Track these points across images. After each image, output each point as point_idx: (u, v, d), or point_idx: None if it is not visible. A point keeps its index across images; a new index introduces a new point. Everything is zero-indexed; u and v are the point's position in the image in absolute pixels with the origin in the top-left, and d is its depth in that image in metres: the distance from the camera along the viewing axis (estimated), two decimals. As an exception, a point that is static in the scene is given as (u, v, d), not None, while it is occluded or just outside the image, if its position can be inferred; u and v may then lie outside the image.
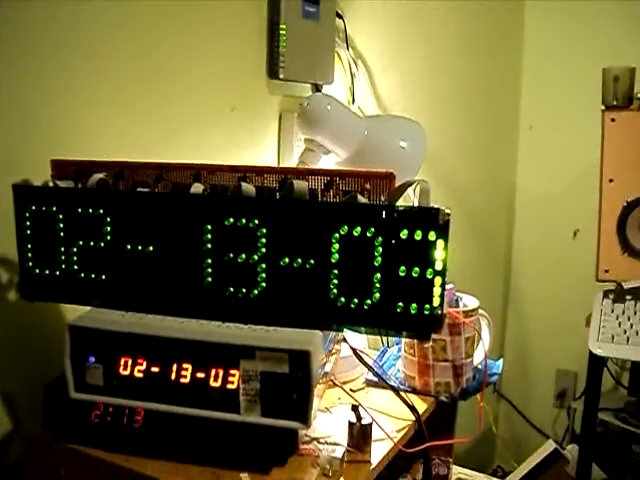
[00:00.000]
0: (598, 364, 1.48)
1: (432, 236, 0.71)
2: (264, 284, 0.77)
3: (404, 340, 1.11)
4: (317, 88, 1.36)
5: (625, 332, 1.31)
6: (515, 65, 2.35)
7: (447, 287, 0.77)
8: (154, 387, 0.78)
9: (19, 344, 0.92)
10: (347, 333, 0.95)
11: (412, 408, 0.98)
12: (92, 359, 0.80)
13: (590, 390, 1.51)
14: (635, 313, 1.35)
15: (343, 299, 0.75)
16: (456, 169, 1.97)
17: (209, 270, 0.78)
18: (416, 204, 0.73)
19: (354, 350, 1.01)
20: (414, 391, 1.08)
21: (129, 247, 0.80)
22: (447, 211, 0.72)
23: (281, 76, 1.25)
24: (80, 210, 0.81)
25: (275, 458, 0.81)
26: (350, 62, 1.45)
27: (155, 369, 0.78)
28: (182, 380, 0.78)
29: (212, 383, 0.77)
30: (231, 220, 0.76)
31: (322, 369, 0.85)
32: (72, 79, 0.95)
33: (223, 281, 0.78)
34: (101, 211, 0.80)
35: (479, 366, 1.11)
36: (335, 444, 0.87)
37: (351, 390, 1.07)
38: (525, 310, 2.47)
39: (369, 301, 0.74)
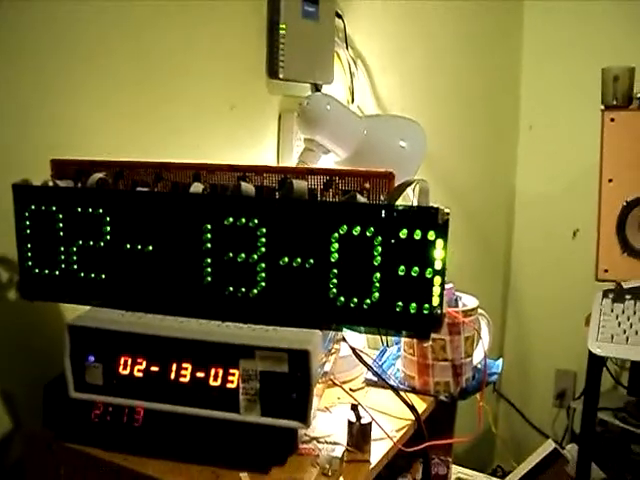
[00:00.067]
0: (597, 364, 1.48)
1: (431, 236, 0.71)
2: (263, 283, 0.77)
3: (403, 340, 1.11)
4: (317, 88, 1.36)
5: (624, 332, 1.31)
6: (514, 65, 2.35)
7: (446, 286, 0.77)
8: (154, 386, 0.79)
9: (19, 343, 0.92)
10: (346, 332, 0.95)
11: (411, 408, 0.98)
12: (92, 358, 0.80)
13: (589, 390, 1.51)
14: (634, 313, 1.35)
15: (342, 298, 0.75)
16: (455, 169, 1.97)
17: (209, 269, 0.78)
18: (415, 204, 0.73)
19: (353, 349, 1.01)
20: (413, 391, 1.08)
21: (129, 247, 0.80)
22: (446, 211, 0.72)
23: (281, 76, 1.25)
24: (80, 210, 0.81)
25: (275, 457, 0.81)
26: (349, 62, 1.45)
27: (155, 368, 0.79)
28: (182, 379, 0.78)
29: (212, 382, 0.77)
30: (231, 219, 0.76)
31: (321, 368, 0.85)
32: (71, 79, 0.95)
33: (223, 281, 0.78)
34: (101, 211, 0.80)
35: (478, 366, 1.11)
36: (335, 443, 0.87)
37: (350, 389, 1.07)
38: (525, 310, 2.47)
39: (368, 300, 0.74)
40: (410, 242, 0.72)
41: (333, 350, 0.94)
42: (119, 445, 0.82)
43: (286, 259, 0.76)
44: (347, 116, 1.16)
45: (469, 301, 1.11)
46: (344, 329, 0.84)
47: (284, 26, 1.23)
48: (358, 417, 0.86)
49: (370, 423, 0.86)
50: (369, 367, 1.06)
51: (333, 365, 0.97)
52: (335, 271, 0.75)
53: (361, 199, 0.75)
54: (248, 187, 0.78)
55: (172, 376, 0.78)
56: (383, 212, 0.73)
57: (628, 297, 1.41)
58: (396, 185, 0.77)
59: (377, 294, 0.74)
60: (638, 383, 1.85)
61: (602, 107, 1.56)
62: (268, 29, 1.25)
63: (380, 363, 1.16)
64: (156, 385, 0.78)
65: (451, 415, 1.16)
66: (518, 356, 2.46)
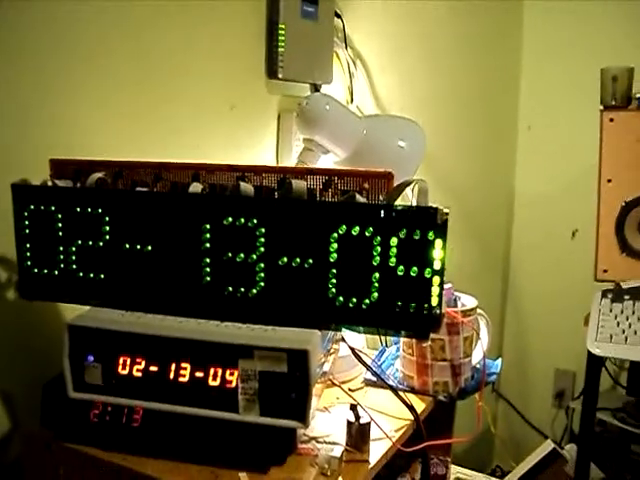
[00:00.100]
0: (596, 364, 1.48)
1: (430, 236, 0.71)
2: (263, 283, 0.77)
3: (402, 340, 1.11)
4: (316, 88, 1.36)
5: (623, 332, 1.31)
6: (514, 65, 2.35)
7: (445, 286, 0.77)
8: (153, 386, 0.79)
9: (18, 343, 0.92)
10: (345, 332, 0.95)
11: (410, 407, 0.98)
12: (91, 358, 0.80)
13: (588, 390, 1.51)
14: (633, 313, 1.35)
15: (341, 298, 0.75)
16: (455, 169, 1.97)
17: (208, 269, 0.78)
18: (414, 204, 0.73)
19: (352, 349, 1.01)
20: (412, 390, 1.08)
21: (128, 246, 0.80)
22: (445, 211, 0.72)
23: (280, 76, 1.25)
24: (79, 209, 0.81)
25: (274, 457, 0.81)
26: (349, 62, 1.45)
27: (154, 368, 0.79)
28: (181, 379, 0.78)
29: (211, 382, 0.77)
30: (230, 219, 0.76)
31: (320, 368, 0.85)
32: (71, 78, 0.95)
33: (222, 280, 0.78)
34: (100, 210, 0.80)
35: (477, 366, 1.11)
36: (333, 443, 0.87)
37: (350, 389, 1.07)
38: (524, 310, 2.47)
39: (367, 300, 0.74)
40: (409, 242, 0.72)
41: (332, 350, 0.94)
42: (118, 445, 0.82)
43: (285, 259, 0.76)
44: (346, 116, 1.16)
45: (468, 301, 1.11)
46: (343, 329, 0.84)
47: (283, 26, 1.23)
48: (357, 417, 0.86)
49: (369, 423, 0.86)
50: (368, 367, 1.06)
51: (332, 365, 0.97)
52: (334, 271, 0.75)
53: (360, 199, 0.75)
54: (247, 187, 0.78)
55: (171, 376, 0.78)
56: (382, 212, 0.73)
57: (627, 297, 1.41)
58: (395, 185, 0.77)
59: (376, 294, 0.74)
60: (637, 383, 1.85)
61: (601, 107, 1.56)
62: (267, 29, 1.25)
63: (379, 363, 1.17)
64: (155, 385, 0.78)
65: (450, 415, 1.16)
66: (517, 356, 2.46)
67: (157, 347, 0.78)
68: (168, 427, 0.81)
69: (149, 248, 0.80)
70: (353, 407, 0.87)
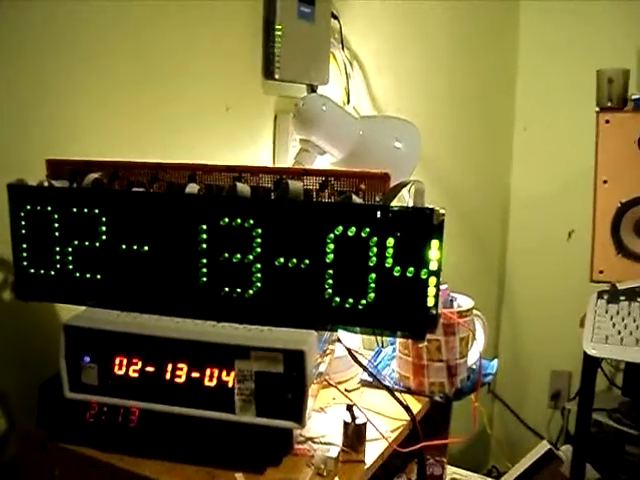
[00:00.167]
0: (592, 365, 1.49)
1: (427, 236, 0.71)
2: (259, 284, 0.77)
3: (399, 340, 1.11)
4: (312, 88, 1.36)
5: (619, 333, 1.31)
6: (510, 65, 2.35)
7: (441, 287, 0.77)
8: (149, 387, 0.78)
9: (14, 343, 0.92)
10: (342, 333, 0.95)
11: (407, 408, 0.98)
12: (87, 359, 0.80)
13: (584, 391, 1.51)
14: (629, 314, 1.36)
15: (338, 299, 0.75)
16: (451, 170, 1.98)
17: (204, 270, 0.78)
18: (411, 204, 0.73)
19: (349, 350, 1.01)
20: (409, 391, 1.08)
21: (124, 247, 0.80)
22: (442, 211, 0.72)
23: (276, 76, 1.25)
24: (75, 210, 0.81)
25: (270, 458, 0.81)
26: (345, 62, 1.45)
27: (150, 369, 0.78)
28: (177, 380, 0.78)
29: (207, 383, 0.77)
30: (226, 220, 0.76)
31: (317, 369, 0.85)
32: (71, 78, 0.95)
33: (218, 281, 0.78)
34: (96, 211, 0.80)
35: (473, 366, 1.12)
36: (330, 444, 0.87)
37: (346, 390, 1.07)
38: (519, 310, 2.47)
39: (364, 301, 0.75)
40: (405, 243, 0.72)
41: (328, 351, 0.94)
42: (114, 445, 0.82)
43: (282, 260, 0.76)
44: (343, 117, 1.16)
45: (464, 302, 1.11)
46: (339, 329, 0.84)
47: (280, 27, 1.23)
48: (353, 417, 0.86)
49: (365, 423, 0.86)
50: (364, 368, 1.06)
51: (328, 366, 0.97)
52: (330, 272, 0.75)
53: (357, 200, 0.75)
54: (244, 188, 0.78)
55: (167, 376, 0.78)
56: (378, 213, 0.73)
57: (623, 298, 1.41)
58: (391, 186, 0.77)
59: (372, 295, 0.74)
60: (632, 384, 1.85)
61: (597, 109, 1.57)
62: (264, 30, 1.25)
63: (375, 364, 1.17)
64: (151, 385, 0.78)
65: (446, 416, 1.16)
66: (513, 357, 2.46)
67: (153, 347, 0.78)
68: (164, 427, 0.81)
69: (145, 248, 0.80)
70: (349, 408, 0.88)
